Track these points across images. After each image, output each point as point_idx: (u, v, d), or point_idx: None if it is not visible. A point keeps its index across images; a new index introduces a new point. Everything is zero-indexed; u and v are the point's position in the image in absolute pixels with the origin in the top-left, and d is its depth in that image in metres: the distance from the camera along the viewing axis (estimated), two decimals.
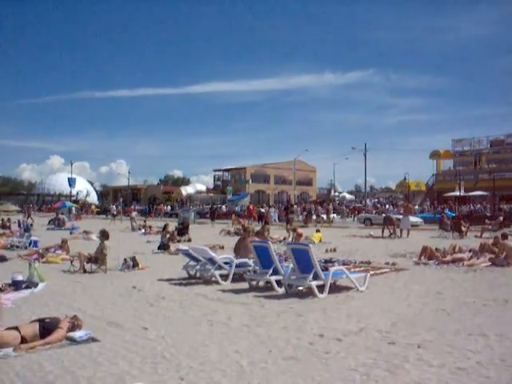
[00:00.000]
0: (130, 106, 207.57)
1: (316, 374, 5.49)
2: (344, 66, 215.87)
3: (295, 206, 50.18)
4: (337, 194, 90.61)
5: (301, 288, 10.83)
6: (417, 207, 51.42)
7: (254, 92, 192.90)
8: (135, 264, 14.58)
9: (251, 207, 49.94)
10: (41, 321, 7.03)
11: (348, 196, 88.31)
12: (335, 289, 10.85)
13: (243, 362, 5.97)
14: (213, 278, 12.23)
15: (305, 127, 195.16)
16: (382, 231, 28.24)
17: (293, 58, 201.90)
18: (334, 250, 19.76)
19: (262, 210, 48.65)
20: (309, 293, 10.39)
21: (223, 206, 67.97)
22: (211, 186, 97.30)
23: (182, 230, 26.67)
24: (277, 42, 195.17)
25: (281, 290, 10.88)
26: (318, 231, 25.42)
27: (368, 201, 65.36)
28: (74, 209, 61.54)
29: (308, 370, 5.65)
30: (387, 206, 48.13)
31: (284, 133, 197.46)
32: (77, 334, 6.93)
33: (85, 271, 13.82)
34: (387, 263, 15.56)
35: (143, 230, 32.14)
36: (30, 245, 21.03)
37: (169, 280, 12.54)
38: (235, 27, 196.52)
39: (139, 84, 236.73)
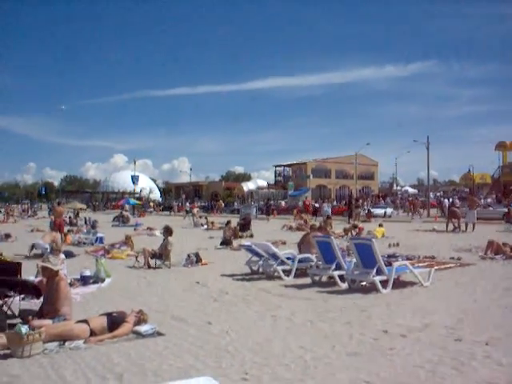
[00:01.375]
0: (191, 103, 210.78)
1: (380, 370, 5.43)
2: (405, 58, 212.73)
3: (360, 201, 49.77)
4: (399, 187, 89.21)
5: (364, 283, 10.75)
6: (488, 200, 49.92)
7: (314, 86, 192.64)
8: (198, 259, 14.77)
9: (307, 202, 49.81)
10: (108, 315, 7.23)
11: (410, 190, 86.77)
12: (399, 284, 10.69)
13: (307, 356, 5.96)
14: (275, 274, 12.25)
15: (366, 121, 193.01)
16: (447, 225, 27.61)
17: (353, 51, 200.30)
18: (397, 244, 19.46)
19: (316, 205, 48.52)
20: (372, 288, 10.27)
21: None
22: (272, 182, 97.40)
23: (244, 225, 26.80)
24: (337, 35, 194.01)
25: (344, 285, 10.81)
26: (380, 226, 25.07)
27: (431, 194, 63.87)
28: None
29: (372, 365, 5.60)
30: (445, 200, 46.31)
31: (345, 127, 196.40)
32: (143, 328, 7.09)
33: (149, 267, 14.08)
34: (452, 258, 15.21)
35: (206, 226, 32.46)
36: (96, 241, 21.65)
37: (232, 275, 12.64)
38: (294, 21, 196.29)
39: (200, 81, 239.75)
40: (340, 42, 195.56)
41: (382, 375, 5.26)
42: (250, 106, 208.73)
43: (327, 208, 43.56)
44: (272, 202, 63.07)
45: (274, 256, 12.46)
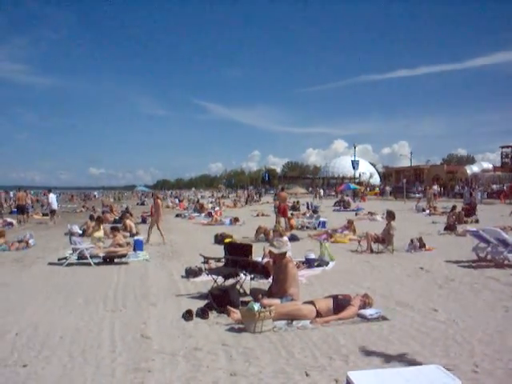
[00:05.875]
0: (410, 85, 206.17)
1: None
2: None
3: None
4: None
5: None
6: None
7: None
8: (422, 245, 14.43)
9: None
10: (334, 297, 7.40)
11: None
12: None
13: None
14: (505, 262, 11.54)
15: None
16: None
17: None
18: None
19: None
20: None
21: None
22: (498, 164, 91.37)
23: (469, 210, 25.58)
24: None
25: None
26: None
27: None
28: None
29: None
30: None
31: None
32: (368, 312, 7.15)
33: (372, 251, 14.10)
34: None
35: (428, 211, 31.57)
36: (318, 225, 22.19)
37: (457, 262, 12.15)
38: None
39: (419, 62, 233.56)
40: None
41: None
42: (474, 84, 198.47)
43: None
44: (502, 185, 59.08)
45: (504, 243, 11.73)
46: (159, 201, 18.72)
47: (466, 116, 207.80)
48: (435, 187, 49.71)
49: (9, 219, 27.07)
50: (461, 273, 10.81)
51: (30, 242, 16.88)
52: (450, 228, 19.72)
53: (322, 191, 66.68)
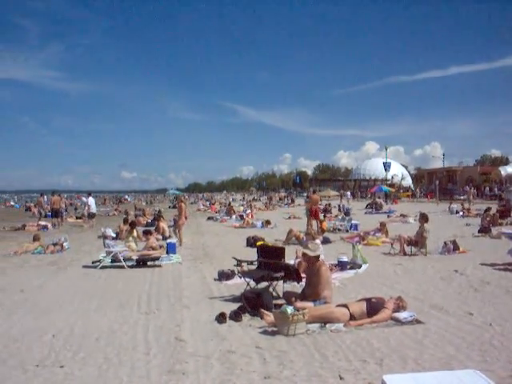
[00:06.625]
0: (442, 86, 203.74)
1: None
2: None
3: None
4: None
5: None
6: None
7: None
8: (456, 247, 14.24)
9: None
10: (368, 300, 7.35)
11: None
12: None
13: None
14: None
15: None
16: None
17: None
18: None
19: None
20: None
21: None
22: None
23: (504, 212, 25.18)
24: None
25: None
26: None
27: None
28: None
29: None
30: None
31: None
32: (401, 315, 7.08)
33: (405, 254, 13.97)
34: None
35: (461, 213, 31.16)
36: (351, 228, 22.09)
37: (492, 265, 11.94)
38: None
39: (451, 63, 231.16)
40: None
41: None
42: (507, 83, 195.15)
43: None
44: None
45: None
46: (182, 204, 18.88)
47: (499, 116, 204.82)
48: (472, 189, 49.31)
49: (44, 222, 27.59)
50: (496, 276, 10.64)
51: (65, 245, 17.14)
52: (484, 230, 19.40)
53: (349, 193, 66.08)
